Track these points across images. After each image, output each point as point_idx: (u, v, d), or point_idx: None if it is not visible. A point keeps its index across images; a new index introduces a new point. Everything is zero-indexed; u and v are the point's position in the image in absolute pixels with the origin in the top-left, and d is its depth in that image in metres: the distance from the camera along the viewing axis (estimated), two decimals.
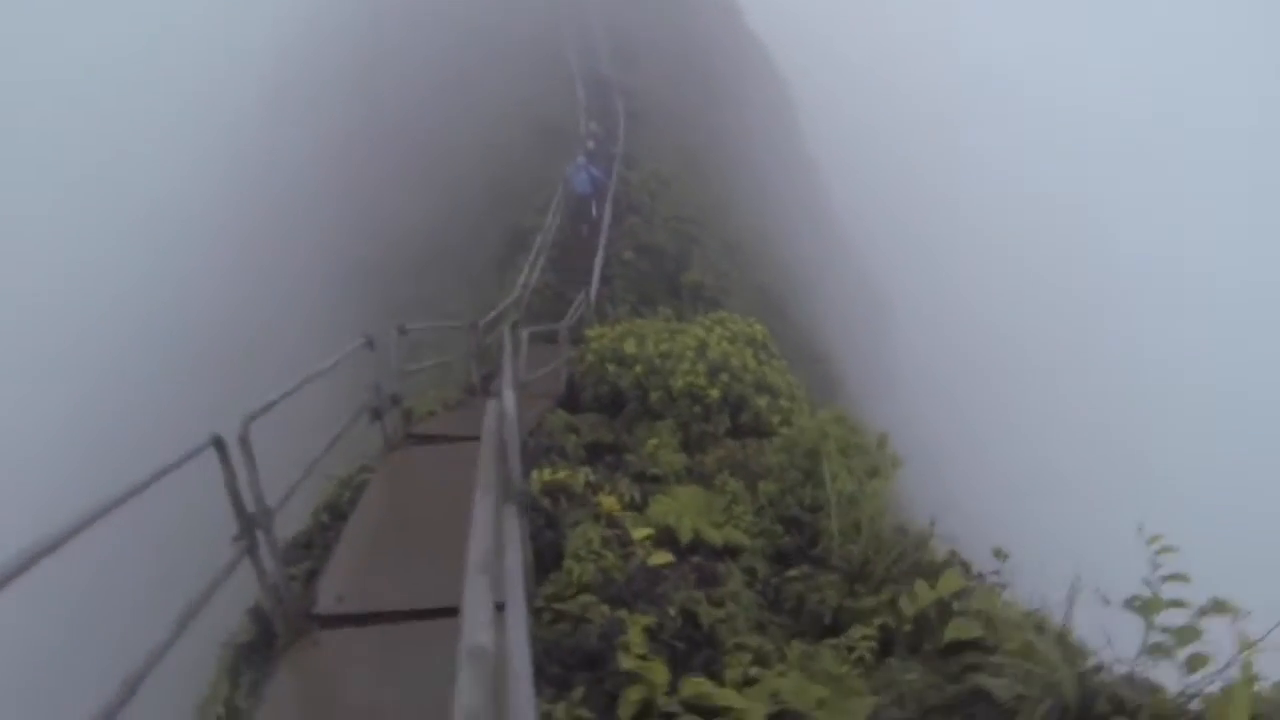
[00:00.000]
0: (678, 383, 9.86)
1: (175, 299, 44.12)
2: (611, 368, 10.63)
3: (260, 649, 4.68)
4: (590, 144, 19.21)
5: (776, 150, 41.02)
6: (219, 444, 3.69)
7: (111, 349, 45.96)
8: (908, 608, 4.51)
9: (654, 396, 9.96)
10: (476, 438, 7.32)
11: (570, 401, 10.83)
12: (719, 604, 4.67)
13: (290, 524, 6.22)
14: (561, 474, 6.96)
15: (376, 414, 7.45)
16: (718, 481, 7.40)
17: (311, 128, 40.67)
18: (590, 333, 11.83)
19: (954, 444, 45.04)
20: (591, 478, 7.24)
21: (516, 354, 9.14)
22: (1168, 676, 3.29)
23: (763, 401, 10.17)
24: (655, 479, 7.76)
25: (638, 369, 10.34)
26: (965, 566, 5.51)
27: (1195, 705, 3.20)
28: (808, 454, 6.97)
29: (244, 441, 3.92)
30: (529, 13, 34.52)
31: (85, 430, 41.40)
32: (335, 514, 6.81)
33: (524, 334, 10.12)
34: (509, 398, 4.44)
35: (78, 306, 52.67)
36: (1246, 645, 2.97)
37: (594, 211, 17.57)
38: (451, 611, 2.81)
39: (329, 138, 38.11)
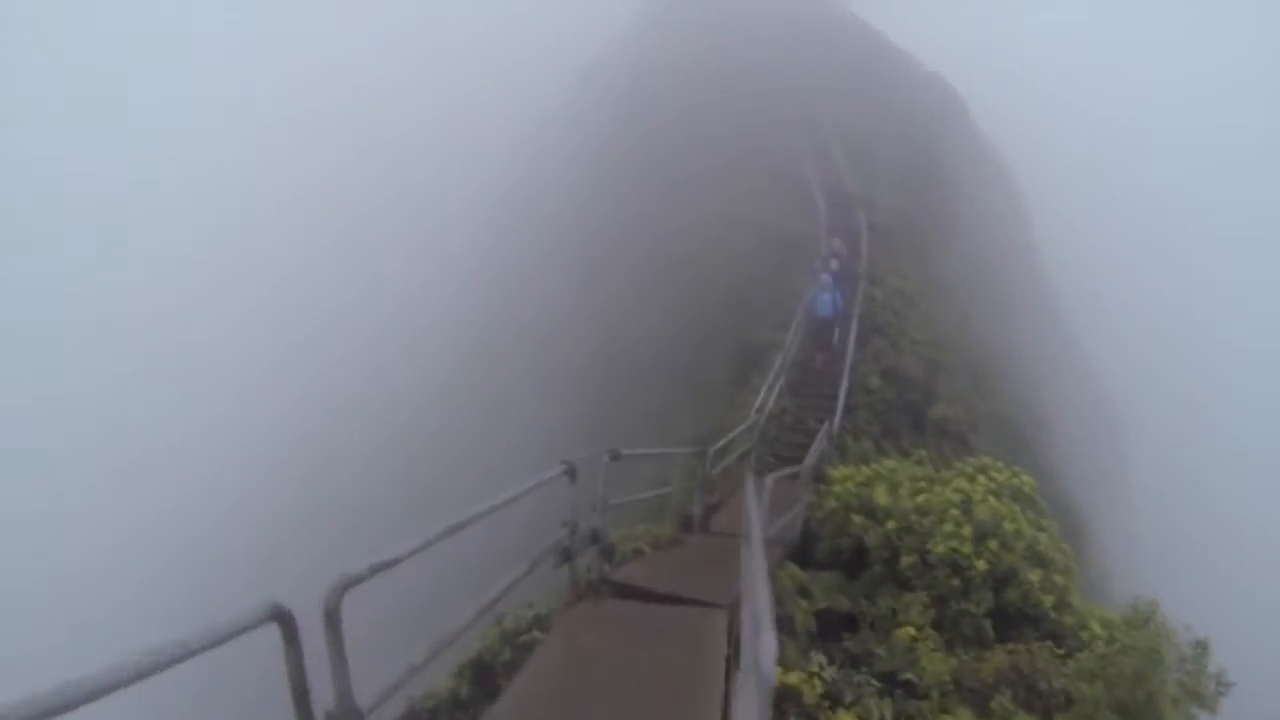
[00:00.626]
0: (937, 547, 8.20)
1: (383, 409, 45.55)
2: (857, 519, 9.07)
3: None
4: (834, 263, 17.92)
5: (1012, 259, 38.19)
6: (282, 618, 2.55)
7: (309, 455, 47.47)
8: None
9: (905, 561, 8.34)
10: (691, 601, 5.97)
11: (803, 552, 9.30)
12: None
13: (421, 680, 4.75)
14: (792, 677, 5.55)
15: (567, 555, 5.67)
16: (995, 707, 5.69)
17: (539, 234, 41.61)
18: (834, 473, 10.30)
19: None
20: (827, 676, 5.77)
21: (760, 498, 7.37)
22: None
23: (1035, 576, 8.24)
24: (909, 688, 6.13)
25: (889, 524, 8.75)
26: None
27: None
28: (1133, 685, 5.15)
29: (331, 617, 2.75)
30: (763, 122, 34.00)
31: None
32: (482, 681, 5.51)
33: (768, 480, 8.53)
34: (759, 568, 3.54)
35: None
36: None
37: (834, 337, 16.20)
38: None
39: (558, 244, 38.53)
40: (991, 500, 9.03)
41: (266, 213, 79.43)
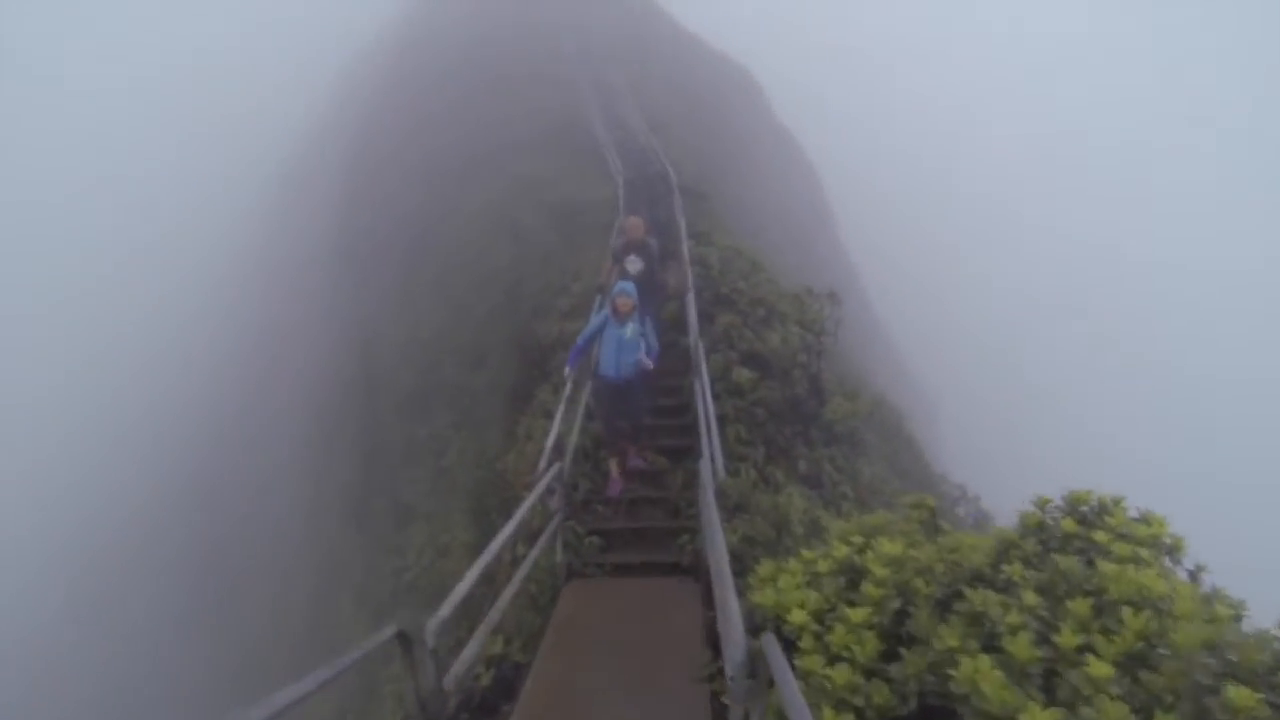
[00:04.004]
0: None
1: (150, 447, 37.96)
2: None
3: None
4: (635, 262, 10.10)
5: (816, 237, 34.20)
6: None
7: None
8: None
9: None
10: None
11: None
12: None
13: None
14: None
15: None
16: None
17: (306, 230, 35.45)
18: (762, 570, 4.72)
19: None
20: None
21: None
22: None
23: None
24: None
25: None
26: None
27: None
28: None
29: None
30: (550, 93, 28.02)
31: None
32: None
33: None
34: None
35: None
36: None
37: (638, 415, 8.38)
38: None
39: (320, 241, 32.52)
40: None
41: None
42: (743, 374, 8.93)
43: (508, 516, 7.65)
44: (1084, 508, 4.82)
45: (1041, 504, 4.90)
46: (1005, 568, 4.05)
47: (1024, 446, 49.68)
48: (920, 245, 69.50)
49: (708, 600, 5.80)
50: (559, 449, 7.36)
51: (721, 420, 7.93)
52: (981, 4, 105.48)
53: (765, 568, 4.77)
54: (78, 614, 31.59)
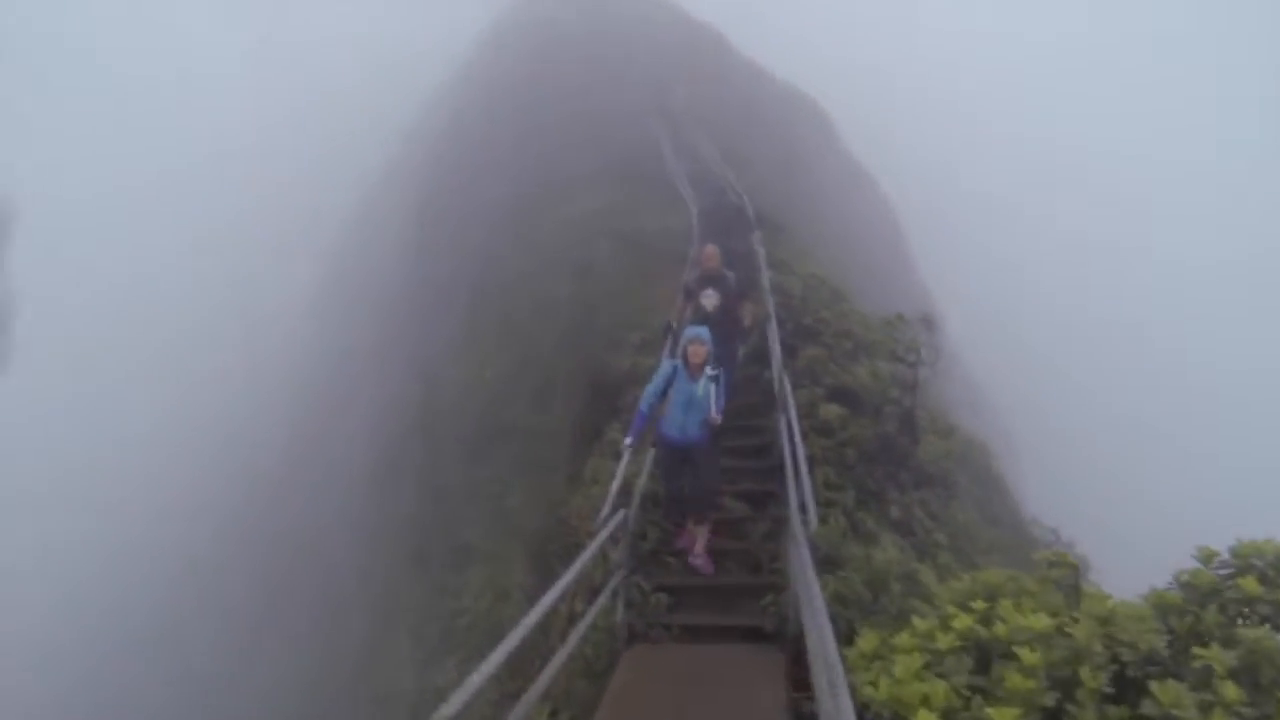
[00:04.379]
0: None
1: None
2: None
3: None
4: (711, 297, 9.10)
5: (894, 275, 33.08)
6: None
7: None
8: None
9: None
10: None
11: None
12: None
13: None
14: None
15: None
16: None
17: (379, 270, 35.58)
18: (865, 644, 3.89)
19: None
20: None
21: None
22: None
23: None
24: None
25: None
26: None
27: None
28: None
29: None
30: (613, 127, 27.60)
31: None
32: None
33: None
34: None
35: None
36: None
37: (702, 487, 7.05)
38: None
39: (392, 280, 32.51)
40: None
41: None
42: (831, 410, 8.13)
43: (569, 565, 6.96)
44: (1258, 561, 3.87)
45: (1207, 558, 3.97)
46: (1198, 651, 3.17)
47: (1113, 480, 47.03)
48: (997, 279, 67.26)
49: (793, 674, 4.95)
50: (625, 493, 6.60)
51: (809, 462, 7.05)
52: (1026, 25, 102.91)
53: (867, 639, 3.90)
54: (139, 650, 31.55)
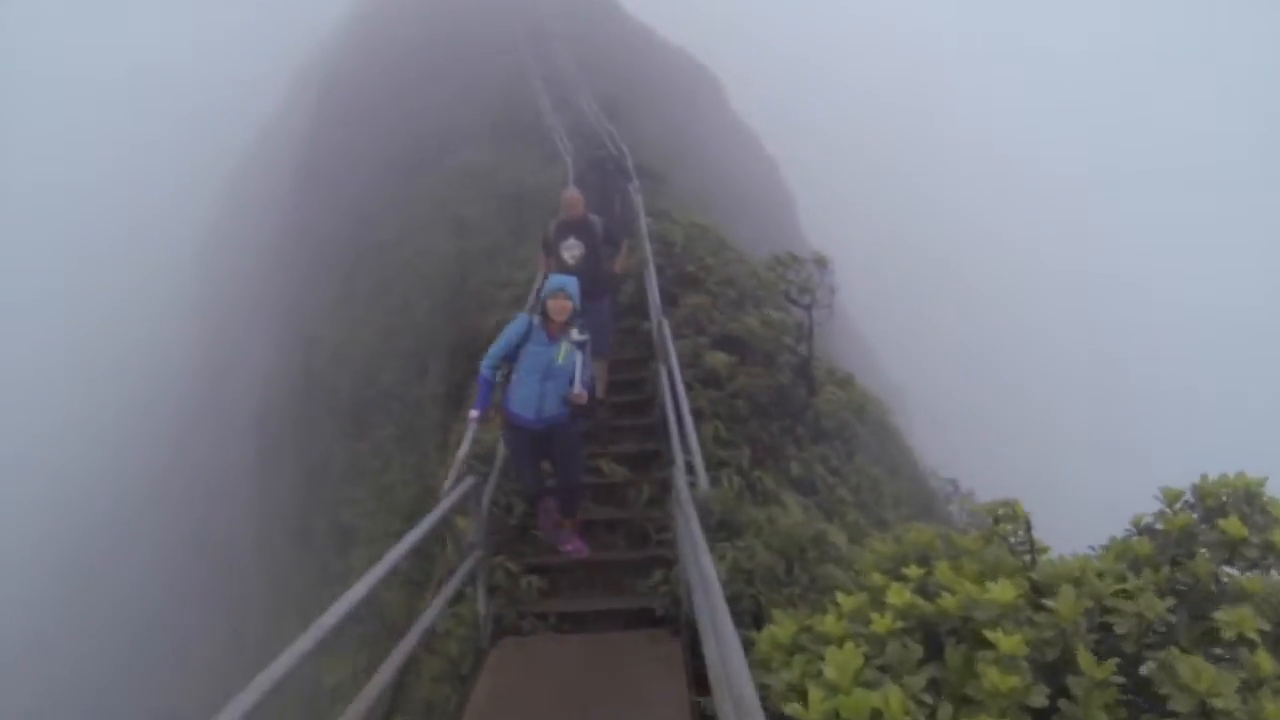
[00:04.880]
0: None
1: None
2: None
3: None
4: (573, 249, 7.64)
5: (782, 233, 32.84)
6: None
7: None
8: None
9: None
10: None
11: None
12: None
13: None
14: None
15: None
16: None
17: (258, 230, 34.25)
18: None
19: None
20: None
21: None
22: None
23: None
24: None
25: None
26: None
27: None
28: None
29: None
30: (495, 75, 26.27)
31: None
32: None
33: None
34: None
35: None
36: None
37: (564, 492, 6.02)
38: None
39: (269, 240, 31.37)
40: None
41: None
42: (718, 359, 7.29)
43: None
44: (1222, 498, 3.17)
45: (1172, 498, 3.25)
46: (1217, 616, 2.44)
47: (998, 444, 48.42)
48: (886, 245, 68.46)
49: (692, 666, 4.11)
50: (483, 459, 5.65)
51: (696, 416, 6.14)
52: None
53: (782, 625, 3.00)
54: (67, 620, 30.78)
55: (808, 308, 7.90)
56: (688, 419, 5.44)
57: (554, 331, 5.46)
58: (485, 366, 5.55)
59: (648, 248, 9.28)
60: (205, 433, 28.48)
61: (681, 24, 46.75)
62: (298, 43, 50.69)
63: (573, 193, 8.03)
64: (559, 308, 5.43)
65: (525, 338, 5.49)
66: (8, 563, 36.33)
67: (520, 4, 33.52)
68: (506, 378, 5.59)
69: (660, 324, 7.05)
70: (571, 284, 5.58)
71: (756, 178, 35.53)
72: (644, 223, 10.44)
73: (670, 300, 8.61)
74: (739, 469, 6.55)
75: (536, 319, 5.52)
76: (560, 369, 5.43)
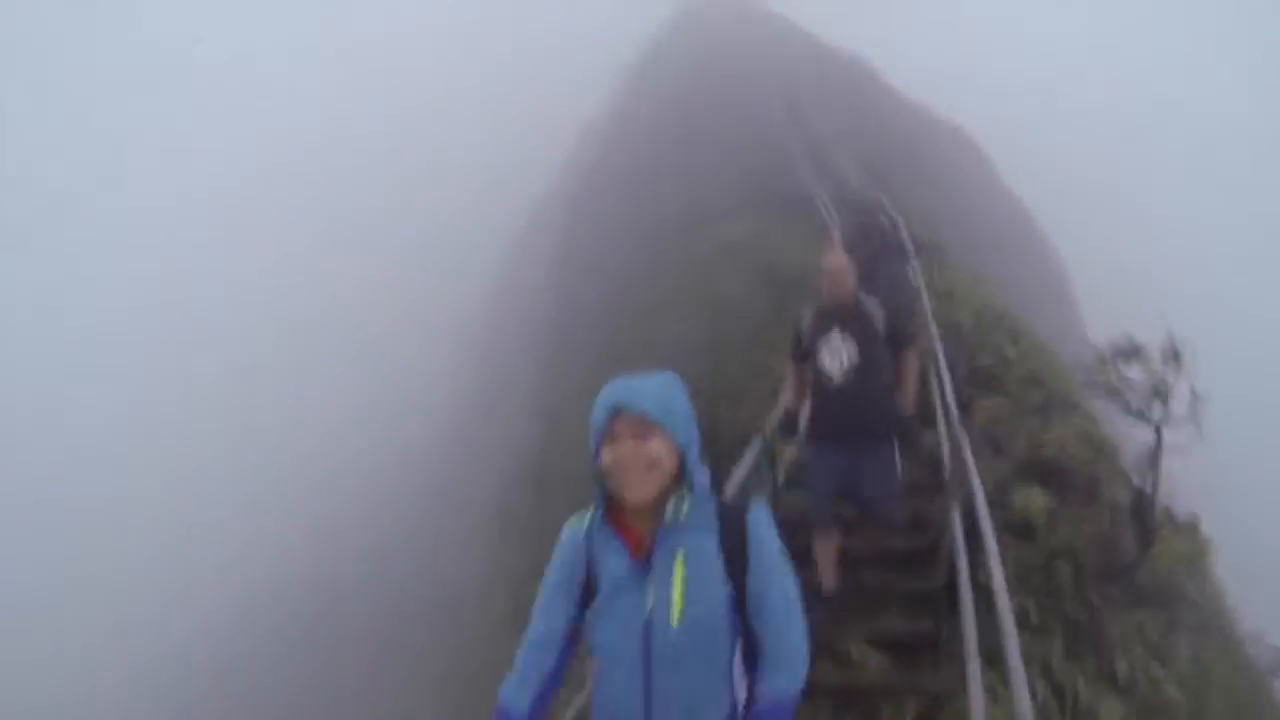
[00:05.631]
0: None
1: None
2: None
3: None
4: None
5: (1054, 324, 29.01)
6: None
7: None
8: None
9: None
10: None
11: None
12: None
13: None
14: None
15: None
16: None
17: (525, 299, 34.41)
18: None
19: None
20: None
21: None
22: None
23: None
24: None
25: None
26: None
27: None
28: None
29: None
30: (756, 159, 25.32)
31: None
32: None
33: None
34: None
35: None
36: None
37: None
38: None
39: (533, 310, 31.36)
40: None
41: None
42: (1033, 499, 5.32)
43: None
44: None
45: None
46: None
47: None
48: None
49: None
50: None
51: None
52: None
53: None
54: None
55: (1157, 424, 5.72)
56: (1004, 597, 3.63)
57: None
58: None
59: (934, 332, 7.50)
60: (449, 501, 28.73)
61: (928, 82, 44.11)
62: (561, 127, 52.08)
63: (838, 258, 5.06)
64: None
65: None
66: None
67: (773, 75, 32.98)
68: None
69: (958, 440, 5.05)
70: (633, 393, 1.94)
71: (1030, 256, 32.13)
72: (927, 305, 8.67)
73: (962, 406, 6.74)
74: (1044, 668, 4.60)
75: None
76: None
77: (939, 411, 6.10)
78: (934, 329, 7.77)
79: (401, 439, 40.31)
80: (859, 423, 4.61)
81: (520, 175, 55.61)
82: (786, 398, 5.34)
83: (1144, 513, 5.81)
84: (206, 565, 43.24)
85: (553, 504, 16.72)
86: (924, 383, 7.01)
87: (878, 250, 10.36)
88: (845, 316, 4.82)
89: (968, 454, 4.87)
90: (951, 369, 7.03)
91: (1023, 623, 4.57)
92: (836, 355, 4.73)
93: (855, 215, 14.07)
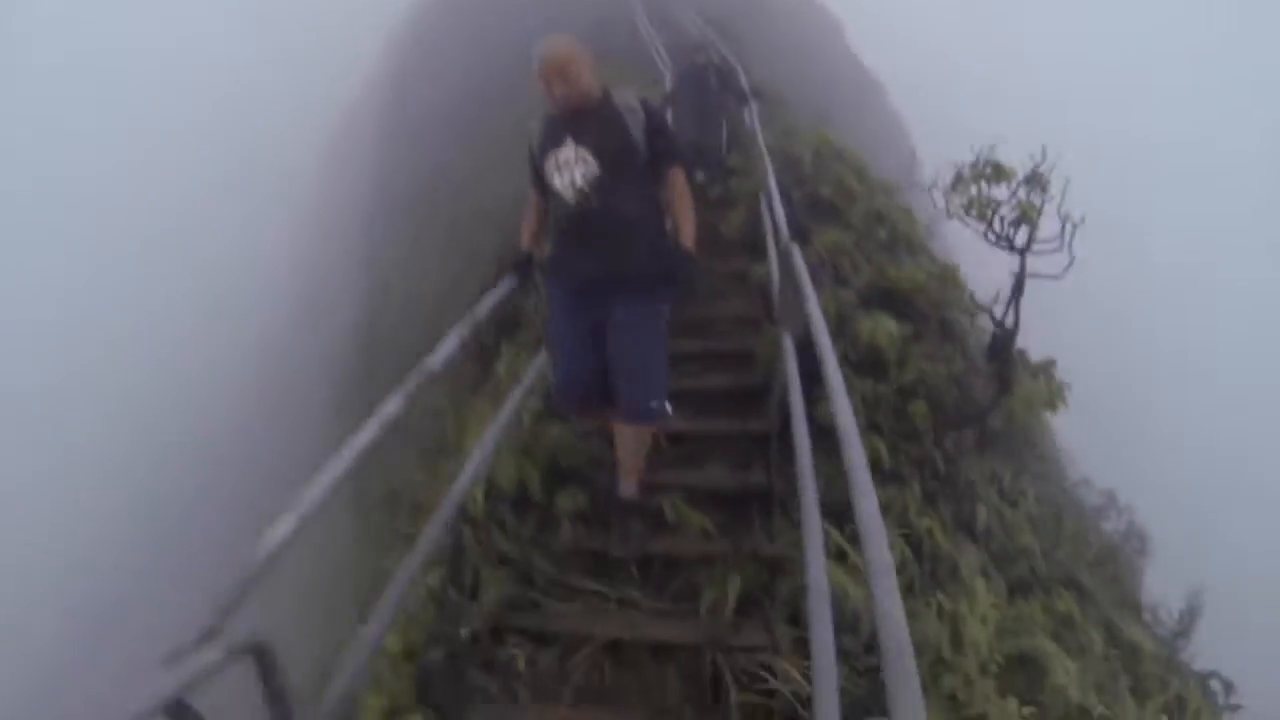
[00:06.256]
0: None
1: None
2: None
3: None
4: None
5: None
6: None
7: None
8: None
9: None
10: None
11: None
12: None
13: None
14: None
15: None
16: None
17: (354, 177, 32.79)
18: None
19: None
20: None
21: None
22: None
23: None
24: None
25: None
26: None
27: None
28: None
29: None
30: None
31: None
32: None
33: None
34: None
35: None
36: None
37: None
38: None
39: (360, 184, 30.26)
40: None
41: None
42: (883, 327, 4.34)
43: None
44: None
45: None
46: None
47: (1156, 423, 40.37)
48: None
49: None
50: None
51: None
52: None
53: None
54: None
55: (1022, 252, 4.78)
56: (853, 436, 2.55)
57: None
58: None
59: (767, 164, 6.35)
60: (281, 386, 28.20)
61: None
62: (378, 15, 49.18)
63: (555, 45, 3.50)
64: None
65: None
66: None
67: None
68: None
69: (789, 250, 3.95)
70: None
71: (880, 131, 32.08)
72: (761, 138, 7.55)
73: (799, 234, 5.70)
74: (900, 516, 3.72)
75: None
76: None
77: (769, 239, 4.98)
78: (767, 162, 6.63)
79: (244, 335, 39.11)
80: (601, 261, 3.48)
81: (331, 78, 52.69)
82: (524, 237, 4.05)
83: (1003, 351, 4.94)
84: None
85: (381, 379, 16.02)
86: (752, 210, 6.01)
87: (709, 93, 9.45)
88: (581, 120, 3.50)
89: (805, 281, 3.71)
90: (786, 197, 5.92)
91: (875, 469, 3.60)
92: (567, 170, 3.47)
93: (687, 54, 12.63)
